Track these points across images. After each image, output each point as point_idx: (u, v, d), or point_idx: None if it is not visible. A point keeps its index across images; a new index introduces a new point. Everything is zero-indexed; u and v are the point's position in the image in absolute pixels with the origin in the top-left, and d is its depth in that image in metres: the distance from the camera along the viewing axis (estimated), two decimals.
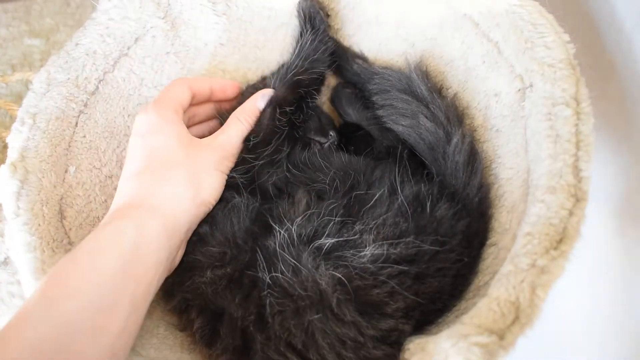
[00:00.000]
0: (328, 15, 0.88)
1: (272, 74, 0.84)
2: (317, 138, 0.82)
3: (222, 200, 0.73)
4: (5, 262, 0.88)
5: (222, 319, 0.65)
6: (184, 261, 0.70)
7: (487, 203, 0.70)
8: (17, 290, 0.86)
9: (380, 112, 0.79)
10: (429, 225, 0.66)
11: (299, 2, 0.86)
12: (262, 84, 0.86)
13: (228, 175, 0.74)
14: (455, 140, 0.71)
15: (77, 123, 0.78)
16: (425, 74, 0.77)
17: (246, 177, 0.74)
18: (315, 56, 0.83)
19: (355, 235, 0.65)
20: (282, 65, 0.85)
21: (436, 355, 0.53)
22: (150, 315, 0.72)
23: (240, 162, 0.75)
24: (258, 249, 0.66)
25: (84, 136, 0.79)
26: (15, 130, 0.73)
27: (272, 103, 0.78)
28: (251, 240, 0.69)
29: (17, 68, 1.09)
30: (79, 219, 0.74)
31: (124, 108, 0.83)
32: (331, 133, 0.83)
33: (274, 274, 0.63)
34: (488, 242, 0.68)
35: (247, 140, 0.76)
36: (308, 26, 0.84)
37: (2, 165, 0.70)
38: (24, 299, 0.85)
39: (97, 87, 0.80)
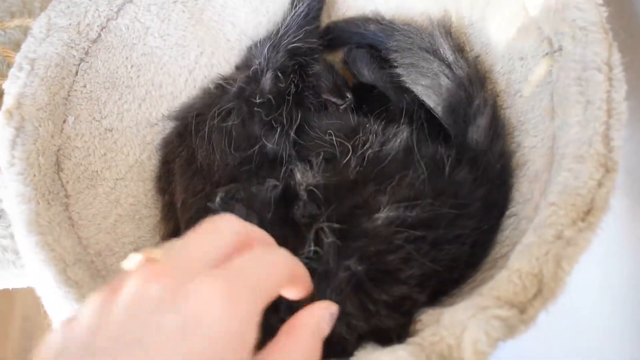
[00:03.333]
0: None
1: (261, 41, 0.82)
2: (333, 99, 0.80)
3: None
4: None
5: None
6: None
7: (509, 171, 0.68)
8: (10, 244, 0.83)
9: (399, 71, 0.76)
10: (448, 189, 0.63)
11: None
12: (248, 54, 0.85)
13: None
14: (477, 102, 0.68)
15: (77, 71, 0.75)
16: (448, 32, 0.74)
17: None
18: (310, 27, 0.81)
19: (369, 196, 0.63)
20: (273, 33, 0.82)
21: (452, 327, 0.50)
22: None
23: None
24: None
25: (84, 86, 0.76)
26: (12, 76, 0.70)
27: (271, 67, 0.76)
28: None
29: (16, 15, 1.05)
30: (76, 172, 0.72)
31: (127, 58, 0.81)
32: (348, 95, 0.81)
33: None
34: (508, 212, 0.66)
35: (252, 104, 0.73)
36: None
37: None
38: (17, 253, 0.82)
39: (100, 35, 0.77)
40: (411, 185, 0.63)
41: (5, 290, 0.87)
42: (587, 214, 0.52)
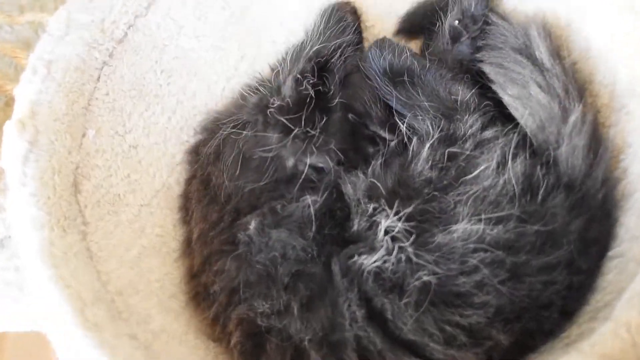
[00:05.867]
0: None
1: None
2: (383, 133, 0.79)
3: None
4: (1, 243, 0.87)
5: (270, 333, 0.65)
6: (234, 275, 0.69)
7: (612, 201, 0.67)
8: (14, 277, 0.85)
9: (486, 69, 0.77)
10: (537, 214, 0.64)
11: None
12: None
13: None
14: (573, 118, 0.68)
15: (99, 76, 0.77)
16: (548, 34, 0.74)
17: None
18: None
19: (448, 206, 0.65)
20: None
21: None
22: (177, 318, 0.72)
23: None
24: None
25: (107, 94, 0.78)
26: (25, 80, 0.72)
27: (292, 74, 0.78)
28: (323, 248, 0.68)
29: (26, 9, 1.07)
30: (96, 195, 0.74)
31: (156, 61, 0.83)
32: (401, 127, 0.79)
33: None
34: (611, 252, 0.65)
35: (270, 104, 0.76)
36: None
37: (7, 122, 0.68)
38: (21, 289, 0.84)
39: (126, 34, 0.80)
40: (497, 202, 0.64)
41: None
42: None
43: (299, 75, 0.77)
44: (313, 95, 0.76)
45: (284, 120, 0.74)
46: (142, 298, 0.70)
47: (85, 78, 0.75)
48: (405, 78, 0.75)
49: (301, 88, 0.76)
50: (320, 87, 0.78)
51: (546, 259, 0.62)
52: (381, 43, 0.79)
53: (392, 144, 0.76)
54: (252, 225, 0.69)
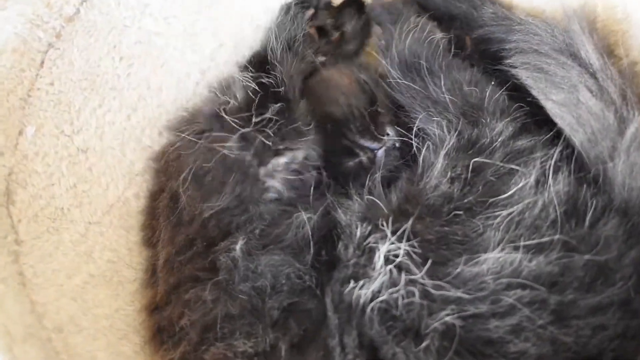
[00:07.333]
0: None
1: None
2: (365, 143, 0.77)
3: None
4: None
5: None
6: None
7: None
8: None
9: (522, 75, 0.73)
10: (585, 242, 0.60)
11: None
12: None
13: None
14: (632, 130, 0.64)
15: (43, 61, 0.74)
16: (593, 29, 0.71)
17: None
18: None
19: (476, 230, 0.61)
20: None
21: None
22: None
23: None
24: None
25: (52, 83, 0.75)
26: None
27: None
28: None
29: None
30: (33, 207, 0.70)
31: (114, 46, 0.80)
32: (388, 131, 0.78)
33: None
34: None
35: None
36: None
37: None
38: None
39: (78, 10, 0.77)
40: (536, 226, 0.61)
41: None
42: None
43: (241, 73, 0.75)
44: (257, 88, 0.74)
45: (234, 120, 0.71)
46: (86, 337, 0.67)
47: (25, 62, 0.72)
48: (424, 62, 0.73)
49: (247, 84, 0.74)
50: (263, 80, 0.75)
51: (597, 299, 0.58)
52: (403, 22, 0.78)
53: (380, 152, 0.76)
54: (238, 246, 0.66)
